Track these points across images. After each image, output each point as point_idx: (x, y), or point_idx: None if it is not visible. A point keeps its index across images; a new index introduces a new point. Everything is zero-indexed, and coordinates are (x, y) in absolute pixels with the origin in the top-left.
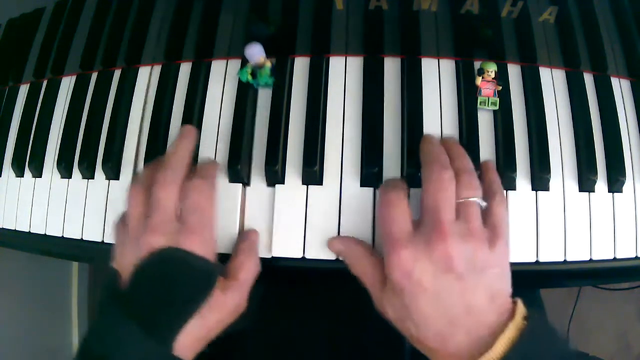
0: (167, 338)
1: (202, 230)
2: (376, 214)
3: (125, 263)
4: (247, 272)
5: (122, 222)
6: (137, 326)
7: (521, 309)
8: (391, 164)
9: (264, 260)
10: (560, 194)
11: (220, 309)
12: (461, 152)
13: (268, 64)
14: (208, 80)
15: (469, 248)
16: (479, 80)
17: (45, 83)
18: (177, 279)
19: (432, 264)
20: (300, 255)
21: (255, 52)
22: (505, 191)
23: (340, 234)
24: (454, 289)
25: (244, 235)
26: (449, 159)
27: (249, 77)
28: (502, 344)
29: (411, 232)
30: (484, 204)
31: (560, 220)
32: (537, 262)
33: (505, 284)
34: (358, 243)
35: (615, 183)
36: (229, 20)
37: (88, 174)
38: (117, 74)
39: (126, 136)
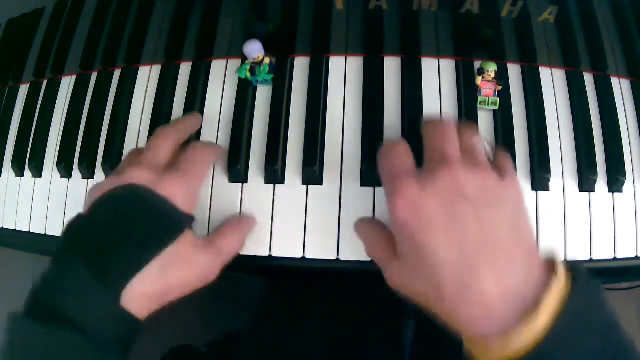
0: (116, 284)
1: (189, 181)
2: (377, 214)
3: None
4: (226, 241)
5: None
6: (86, 268)
7: (561, 265)
8: None
9: (264, 260)
10: (561, 194)
11: (186, 265)
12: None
13: (267, 61)
14: (208, 80)
15: (477, 177)
16: (479, 80)
17: (45, 83)
18: (138, 219)
19: (440, 194)
20: (300, 255)
21: (254, 49)
22: None
23: (341, 234)
24: (469, 219)
25: (242, 216)
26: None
27: (248, 74)
28: (548, 309)
29: (414, 169)
30: (488, 147)
31: (561, 220)
32: None
33: (528, 226)
34: (376, 224)
35: (616, 183)
36: (229, 20)
37: (88, 174)
38: (117, 74)
39: (126, 136)
